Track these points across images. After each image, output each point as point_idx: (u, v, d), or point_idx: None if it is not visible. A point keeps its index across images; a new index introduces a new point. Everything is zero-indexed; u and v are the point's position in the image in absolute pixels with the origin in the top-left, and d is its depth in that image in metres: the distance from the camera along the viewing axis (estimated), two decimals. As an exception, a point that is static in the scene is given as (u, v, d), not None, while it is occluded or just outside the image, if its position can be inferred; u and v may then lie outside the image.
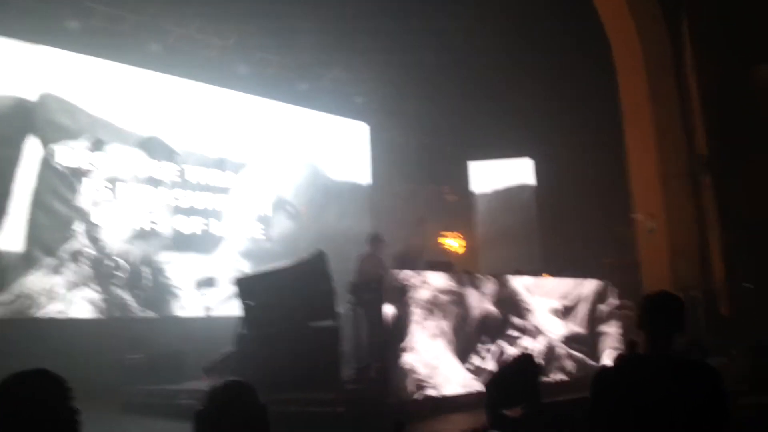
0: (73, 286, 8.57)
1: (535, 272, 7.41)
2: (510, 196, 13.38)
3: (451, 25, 11.37)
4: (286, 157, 11.49)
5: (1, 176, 8.27)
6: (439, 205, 12.36)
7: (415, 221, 7.99)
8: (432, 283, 5.84)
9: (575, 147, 11.66)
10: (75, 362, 5.61)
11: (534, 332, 6.65)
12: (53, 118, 8.87)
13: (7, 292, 8.12)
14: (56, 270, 8.48)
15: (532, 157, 13.26)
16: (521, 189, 13.36)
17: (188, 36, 10.22)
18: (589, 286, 7.45)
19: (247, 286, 7.17)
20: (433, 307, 5.77)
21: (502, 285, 6.55)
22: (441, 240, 9.52)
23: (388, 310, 5.48)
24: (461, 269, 7.04)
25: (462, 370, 5.82)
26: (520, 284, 6.74)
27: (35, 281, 8.29)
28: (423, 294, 5.72)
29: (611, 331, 7.46)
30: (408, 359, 5.40)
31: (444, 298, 5.90)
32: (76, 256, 8.66)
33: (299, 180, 11.63)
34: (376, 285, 5.83)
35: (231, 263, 10.28)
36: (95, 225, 8.91)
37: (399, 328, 5.46)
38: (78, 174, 8.92)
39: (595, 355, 7.23)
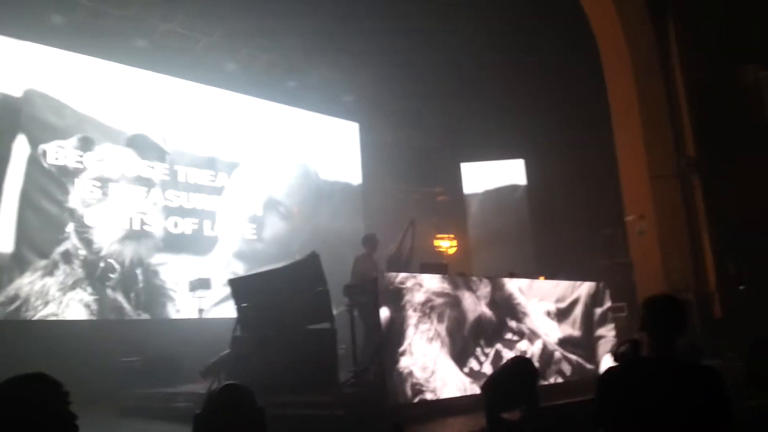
0: (66, 287, 8.50)
1: (531, 275, 7.43)
2: (502, 196, 13.43)
3: (442, 26, 11.38)
4: (277, 156, 11.45)
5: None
6: (430, 206, 12.40)
7: (406, 223, 8.01)
8: (426, 285, 5.83)
9: (566, 147, 11.74)
10: (70, 365, 5.57)
11: (530, 335, 6.67)
12: (39, 115, 8.77)
13: (0, 295, 8.05)
14: (48, 271, 8.40)
15: (523, 157, 13.33)
16: (513, 189, 13.42)
17: (174, 32, 10.13)
18: (584, 288, 7.47)
19: (240, 287, 7.16)
20: (428, 310, 5.77)
21: (497, 287, 6.56)
22: (436, 243, 9.55)
23: (384, 313, 5.48)
24: (456, 271, 7.05)
25: (459, 373, 5.83)
26: (515, 287, 6.75)
27: (27, 283, 8.21)
28: (418, 297, 5.70)
29: (608, 334, 7.48)
30: (405, 363, 5.41)
31: (439, 300, 5.89)
32: (68, 257, 8.59)
33: (291, 180, 11.60)
34: (371, 287, 5.84)
35: (224, 264, 10.24)
36: (86, 226, 8.83)
37: (395, 332, 5.46)
38: (67, 173, 8.83)
39: (592, 358, 7.26)
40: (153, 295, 9.39)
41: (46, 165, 8.64)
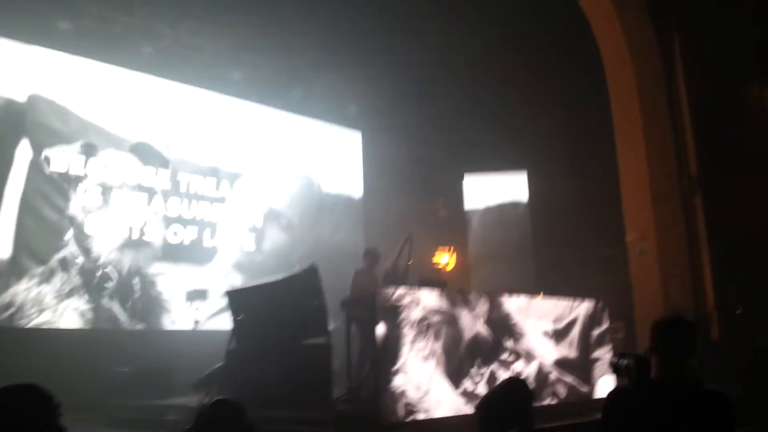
0: (62, 295, 8.45)
1: (531, 292, 7.36)
2: (503, 212, 13.38)
3: (447, 39, 11.42)
4: (280, 166, 11.43)
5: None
6: (430, 220, 12.34)
7: (403, 237, 7.97)
8: (424, 302, 5.78)
9: (569, 163, 11.71)
10: (61, 374, 5.56)
11: (526, 356, 6.61)
12: (43, 120, 8.76)
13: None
14: (45, 279, 8.35)
15: (526, 170, 13.28)
16: (515, 205, 13.37)
17: (180, 39, 10.17)
18: (582, 308, 7.39)
19: (237, 300, 7.13)
20: (424, 327, 5.71)
21: (495, 306, 6.51)
22: (435, 260, 9.51)
23: (380, 329, 5.44)
24: (455, 288, 7.00)
25: (453, 393, 5.77)
26: (514, 305, 6.70)
27: (23, 290, 8.17)
28: (415, 314, 5.66)
29: (605, 356, 7.38)
30: (399, 381, 5.35)
31: (436, 318, 5.84)
32: (65, 265, 8.55)
33: (293, 191, 11.55)
34: (370, 302, 5.79)
35: (222, 276, 10.19)
36: (85, 233, 8.79)
37: (390, 349, 5.42)
38: (68, 179, 8.80)
39: (587, 380, 7.17)
40: (149, 305, 9.32)
41: (47, 171, 8.62)
